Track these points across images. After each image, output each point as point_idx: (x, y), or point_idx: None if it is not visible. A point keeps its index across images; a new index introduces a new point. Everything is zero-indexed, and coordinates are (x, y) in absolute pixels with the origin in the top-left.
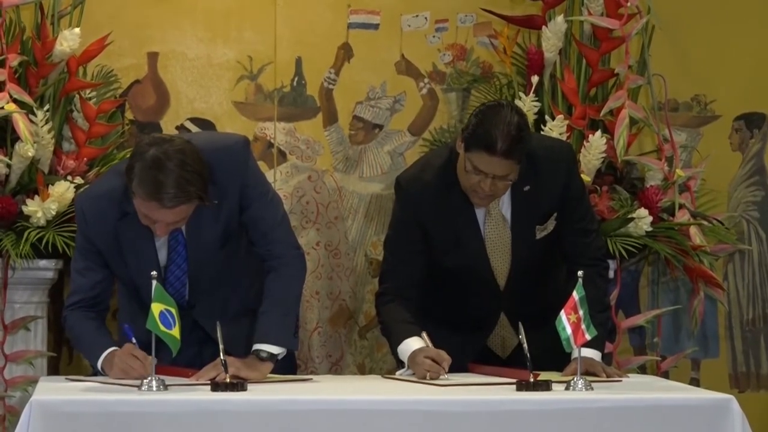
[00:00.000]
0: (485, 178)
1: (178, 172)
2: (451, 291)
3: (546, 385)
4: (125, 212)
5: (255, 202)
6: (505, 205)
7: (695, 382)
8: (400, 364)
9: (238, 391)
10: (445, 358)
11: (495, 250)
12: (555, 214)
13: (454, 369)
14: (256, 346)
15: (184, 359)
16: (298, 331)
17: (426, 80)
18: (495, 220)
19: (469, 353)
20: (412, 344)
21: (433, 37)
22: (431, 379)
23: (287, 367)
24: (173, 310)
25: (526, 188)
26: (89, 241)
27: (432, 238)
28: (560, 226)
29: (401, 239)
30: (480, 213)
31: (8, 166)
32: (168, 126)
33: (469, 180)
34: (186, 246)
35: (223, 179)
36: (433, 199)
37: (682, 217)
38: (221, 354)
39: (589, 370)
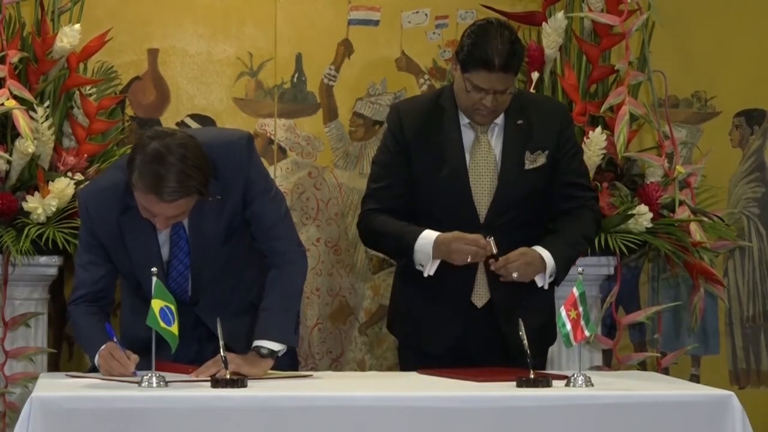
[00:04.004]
0: (486, 95)
1: (179, 166)
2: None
3: (546, 382)
4: (128, 206)
5: (258, 198)
6: (495, 134)
7: (695, 379)
8: (400, 261)
9: (238, 387)
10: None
11: (479, 175)
12: (547, 152)
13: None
14: (257, 343)
15: (186, 356)
16: (298, 328)
17: (426, 77)
18: (483, 146)
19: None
20: (429, 235)
21: (434, 33)
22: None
23: (289, 363)
24: (173, 307)
25: (520, 122)
26: (92, 236)
27: (416, 159)
28: (555, 177)
29: (387, 165)
30: (468, 138)
31: (8, 162)
32: (168, 122)
33: (470, 99)
34: (188, 241)
35: (227, 175)
36: (423, 118)
37: (682, 213)
38: (221, 350)
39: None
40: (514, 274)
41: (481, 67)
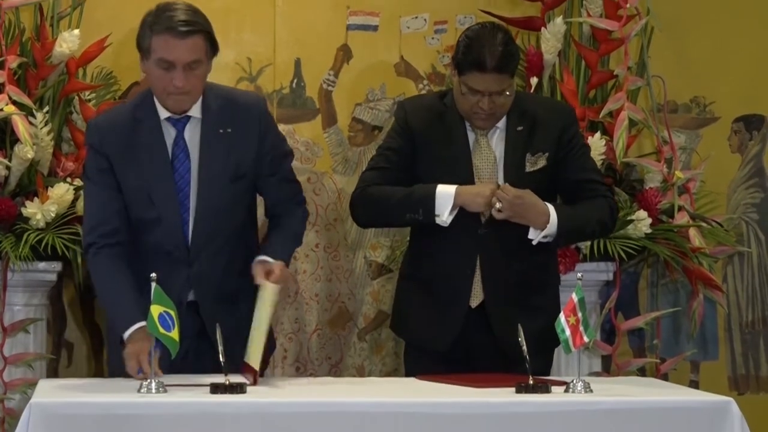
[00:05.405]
0: (482, 97)
1: (184, 7)
2: (432, 231)
3: (545, 388)
4: (138, 119)
5: (273, 152)
6: (496, 137)
7: (694, 385)
8: (419, 214)
9: (237, 393)
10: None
11: (479, 177)
12: (547, 154)
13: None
14: (262, 257)
15: (180, 351)
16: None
17: (425, 82)
18: (483, 149)
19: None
20: (448, 187)
21: (432, 38)
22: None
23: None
24: (173, 313)
25: (520, 128)
26: (101, 157)
27: (419, 155)
28: (564, 177)
29: (395, 149)
30: (470, 139)
31: (8, 168)
32: None
33: (467, 102)
34: (196, 179)
35: (243, 117)
36: (429, 116)
37: (681, 219)
38: (221, 356)
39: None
40: (497, 205)
41: (474, 68)
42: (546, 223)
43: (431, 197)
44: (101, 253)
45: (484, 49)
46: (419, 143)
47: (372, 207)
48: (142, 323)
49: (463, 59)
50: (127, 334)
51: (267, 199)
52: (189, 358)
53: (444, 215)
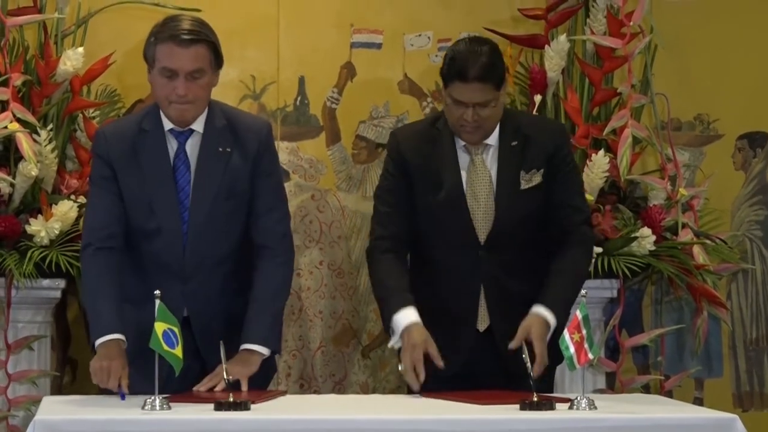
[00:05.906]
0: (466, 109)
1: (189, 19)
2: (432, 257)
3: (549, 405)
4: (144, 130)
5: (263, 177)
6: (490, 156)
7: (699, 402)
8: (387, 330)
9: (241, 410)
10: (421, 372)
11: (476, 197)
12: (542, 171)
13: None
14: (246, 346)
15: (187, 373)
16: (281, 328)
17: (429, 99)
18: (478, 168)
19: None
20: (408, 316)
21: (436, 56)
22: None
23: (262, 374)
24: (176, 330)
25: (514, 143)
26: (105, 165)
27: (415, 183)
28: (548, 197)
29: (390, 189)
30: (464, 161)
31: (12, 185)
32: None
33: (453, 114)
34: (191, 173)
35: (243, 139)
36: (421, 142)
37: (685, 236)
38: (224, 373)
39: (529, 334)
40: (545, 360)
41: (456, 78)
42: (549, 330)
43: (389, 320)
44: (98, 254)
45: (467, 60)
46: (412, 172)
47: (371, 282)
48: (117, 336)
49: (447, 70)
50: (99, 342)
51: (251, 222)
52: (188, 376)
53: (394, 341)
